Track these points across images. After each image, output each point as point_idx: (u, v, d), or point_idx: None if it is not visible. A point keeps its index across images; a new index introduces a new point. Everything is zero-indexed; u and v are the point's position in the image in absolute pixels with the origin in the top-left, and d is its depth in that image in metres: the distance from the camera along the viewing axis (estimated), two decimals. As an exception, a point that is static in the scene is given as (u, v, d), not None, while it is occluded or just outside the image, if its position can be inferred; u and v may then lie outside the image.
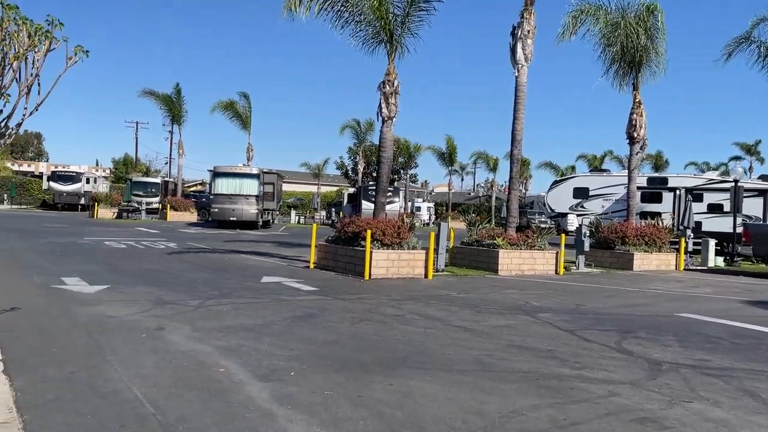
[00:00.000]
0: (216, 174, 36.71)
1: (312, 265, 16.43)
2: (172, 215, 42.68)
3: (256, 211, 35.77)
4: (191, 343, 7.21)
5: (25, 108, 6.48)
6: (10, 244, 19.86)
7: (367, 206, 40.50)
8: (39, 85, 6.59)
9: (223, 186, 36.05)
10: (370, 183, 51.29)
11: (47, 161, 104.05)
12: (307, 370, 6.19)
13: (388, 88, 16.28)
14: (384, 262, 14.69)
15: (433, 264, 15.35)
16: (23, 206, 57.25)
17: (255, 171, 37.11)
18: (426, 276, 15.04)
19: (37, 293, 10.36)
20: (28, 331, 7.48)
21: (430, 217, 60.35)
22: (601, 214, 33.05)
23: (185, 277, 13.44)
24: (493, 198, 66.35)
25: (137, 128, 73.70)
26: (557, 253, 17.84)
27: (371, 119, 56.68)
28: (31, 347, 6.73)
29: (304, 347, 7.22)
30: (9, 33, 5.83)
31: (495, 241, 17.24)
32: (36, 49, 6.11)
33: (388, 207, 18.16)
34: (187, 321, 8.50)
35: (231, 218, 35.45)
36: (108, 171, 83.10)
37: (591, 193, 34.41)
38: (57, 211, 52.48)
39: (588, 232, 19.87)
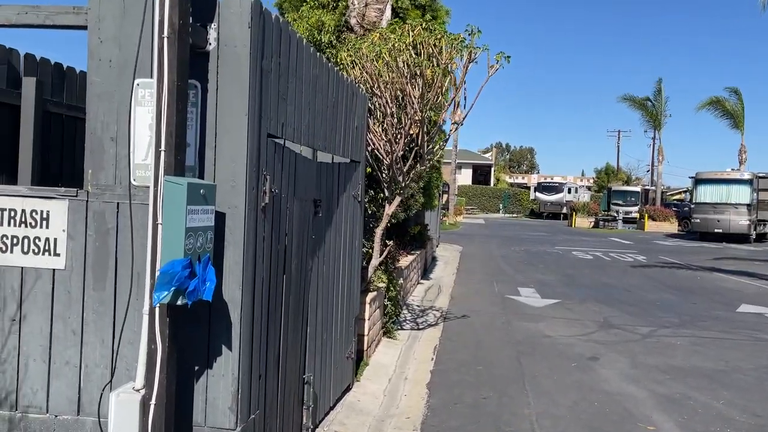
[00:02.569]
0: (698, 181, 33.14)
1: (815, 295, 12.78)
2: (649, 225, 40.65)
3: (747, 222, 30.74)
4: (623, 383, 6.12)
5: (454, 123, 6.60)
6: (489, 250, 21.90)
7: None
8: (465, 98, 6.74)
9: (706, 194, 32.25)
10: None
11: (537, 173, 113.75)
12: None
13: None
14: None
15: None
16: (514, 215, 63.73)
17: (747, 176, 32.00)
18: None
19: (491, 302, 10.78)
20: (465, 342, 7.66)
21: None
22: None
23: (642, 296, 12.11)
24: None
25: (619, 137, 73.52)
26: None
27: None
28: (459, 361, 6.80)
29: (776, 416, 5.29)
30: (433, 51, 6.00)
31: None
32: (453, 61, 6.13)
33: None
34: (628, 353, 7.38)
35: (715, 230, 31.38)
36: (591, 181, 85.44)
37: None
38: (541, 219, 56.56)
39: None
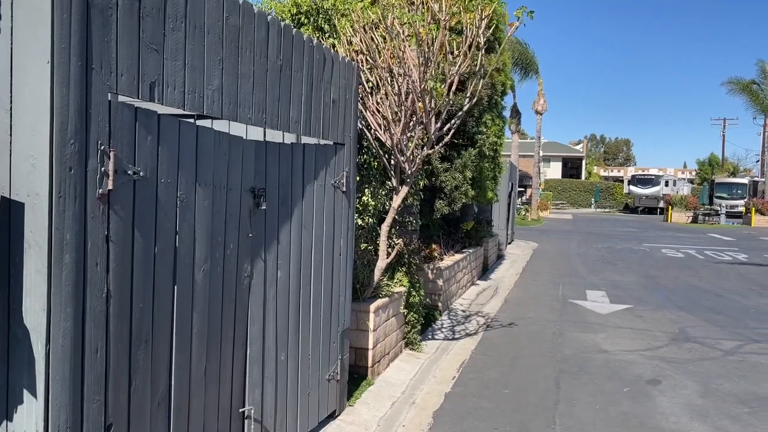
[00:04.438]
0: (814, 169, 29.59)
1: None
2: (757, 220, 36.97)
3: None
4: (685, 418, 4.87)
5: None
6: (567, 247, 20.27)
7: None
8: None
9: (823, 184, 28.74)
10: None
11: (634, 166, 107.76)
12: None
13: None
14: None
15: None
16: (606, 209, 60.33)
17: None
18: None
19: (549, 307, 9.55)
20: (500, 357, 6.58)
21: None
22: None
23: (734, 302, 10.41)
24: None
25: (724, 125, 68.16)
26: None
27: None
28: (485, 381, 5.75)
29: None
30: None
31: None
32: (456, 16, 5.05)
33: None
34: (700, 375, 6.04)
35: (835, 225, 27.90)
36: (693, 173, 79.84)
37: None
38: (635, 214, 53.11)
39: None
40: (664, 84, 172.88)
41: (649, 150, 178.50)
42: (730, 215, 40.62)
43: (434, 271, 8.56)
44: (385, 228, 5.49)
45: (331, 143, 4.38)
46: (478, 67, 5.17)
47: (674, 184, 58.59)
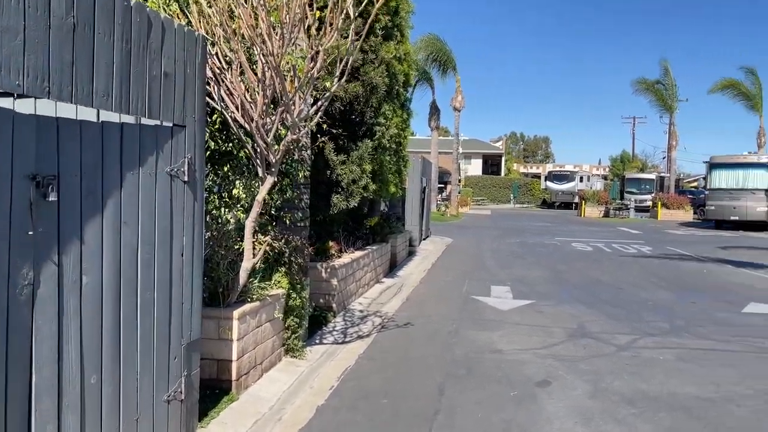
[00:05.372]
0: (713, 165, 31.09)
1: (838, 291, 11.02)
2: (663, 214, 38.63)
3: (766, 209, 28.71)
4: (569, 423, 4.56)
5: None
6: (481, 242, 20.25)
7: None
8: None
9: (721, 179, 30.24)
10: None
11: (552, 163, 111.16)
12: None
13: None
14: None
15: None
16: (525, 205, 61.73)
17: (764, 159, 29.97)
18: None
19: (450, 305, 9.22)
20: (387, 361, 6.12)
21: None
22: None
23: (633, 295, 10.45)
24: None
25: (634, 123, 71.22)
26: None
27: None
28: (365, 390, 5.26)
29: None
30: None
31: None
32: None
33: None
34: (592, 374, 5.79)
35: (731, 217, 29.42)
36: (607, 169, 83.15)
37: None
38: (552, 209, 54.56)
39: None
40: (580, 83, 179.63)
41: (567, 147, 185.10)
42: (638, 209, 42.29)
43: (328, 270, 8.04)
44: (249, 224, 4.89)
45: (167, 125, 3.76)
46: (350, 43, 4.63)
47: (588, 180, 60.70)
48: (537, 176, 78.68)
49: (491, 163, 78.47)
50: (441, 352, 6.50)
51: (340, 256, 8.86)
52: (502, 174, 76.09)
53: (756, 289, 11.32)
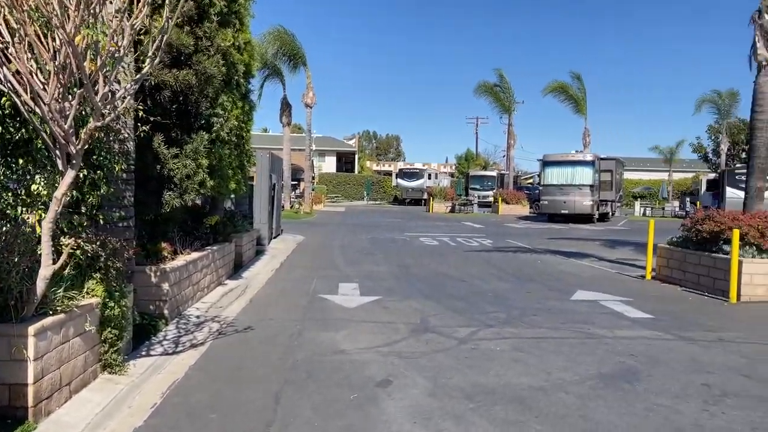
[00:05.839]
0: (545, 163, 33.58)
1: (649, 276, 12.19)
2: (503, 208, 41.14)
3: (591, 202, 31.53)
4: (408, 425, 4.42)
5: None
6: (332, 239, 20.12)
7: (733, 195, 32.58)
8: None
9: (553, 176, 32.74)
10: (737, 166, 41.89)
11: (404, 161, 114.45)
12: None
13: (767, 17, 11.00)
14: (763, 278, 9.76)
15: None
16: (378, 202, 62.87)
17: (589, 158, 32.83)
18: (840, 301, 9.57)
19: (296, 305, 8.88)
20: (221, 371, 5.66)
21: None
22: None
23: (475, 287, 10.80)
24: None
25: (477, 123, 75.32)
26: None
27: (735, 89, 46.75)
28: (191, 407, 4.78)
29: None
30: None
31: None
32: None
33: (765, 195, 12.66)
34: (433, 369, 5.76)
35: (562, 211, 31.97)
36: (453, 167, 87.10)
37: None
38: (404, 205, 56.07)
39: None
40: (430, 84, 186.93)
41: (418, 146, 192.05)
42: (482, 205, 44.69)
43: (158, 274, 7.36)
44: (47, 225, 4.21)
45: None
46: (164, 20, 4.11)
47: (436, 177, 63.17)
48: (389, 174, 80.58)
49: (345, 161, 79.10)
50: (281, 356, 6.14)
51: (174, 258, 8.19)
52: (356, 171, 77.01)
53: (582, 278, 12.21)
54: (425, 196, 54.84)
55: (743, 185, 13.59)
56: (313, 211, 36.88)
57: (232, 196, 13.17)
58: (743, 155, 51.61)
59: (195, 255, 8.85)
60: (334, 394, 5.06)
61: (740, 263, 9.70)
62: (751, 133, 11.95)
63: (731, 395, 5.15)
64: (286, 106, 37.12)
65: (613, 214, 37.73)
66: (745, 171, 13.65)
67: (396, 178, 64.23)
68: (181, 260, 8.20)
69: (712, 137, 57.50)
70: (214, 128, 8.66)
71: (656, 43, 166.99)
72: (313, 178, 51.18)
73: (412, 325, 7.63)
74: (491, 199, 45.65)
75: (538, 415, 4.62)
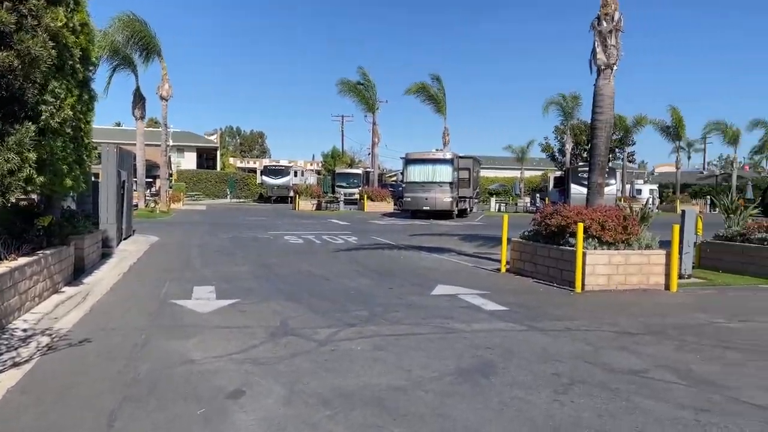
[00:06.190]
0: (408, 161, 34.39)
1: (504, 269, 12.71)
2: (369, 205, 41.60)
3: (451, 199, 32.75)
4: (260, 438, 4.10)
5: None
6: (190, 239, 19.08)
7: (577, 191, 35.38)
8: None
9: (415, 173, 33.61)
10: (580, 164, 45.58)
11: (270, 157, 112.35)
12: None
13: (605, 24, 11.85)
14: (604, 268, 10.50)
15: (677, 269, 10.75)
16: (241, 200, 61.11)
17: (448, 156, 34.07)
18: (668, 287, 10.52)
19: (143, 312, 8.17)
20: (50, 391, 4.97)
21: (653, 202, 52.46)
22: None
23: (339, 285, 10.64)
24: (734, 176, 56.03)
25: (342, 121, 75.62)
26: None
27: (577, 92, 50.80)
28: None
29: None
30: None
31: (773, 235, 11.95)
32: None
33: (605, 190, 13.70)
34: (290, 375, 5.46)
35: (424, 207, 32.91)
36: (319, 164, 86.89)
37: None
38: (269, 203, 54.94)
39: None
40: (297, 81, 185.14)
41: (284, 143, 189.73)
42: (348, 202, 44.94)
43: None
44: None
45: None
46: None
47: (302, 175, 62.67)
48: (254, 171, 78.73)
49: (207, 157, 76.12)
50: (121, 370, 5.54)
51: (-7, 265, 7.18)
52: (218, 168, 74.40)
53: (443, 272, 12.47)
54: (291, 194, 54.16)
55: (585, 182, 14.64)
56: (170, 210, 34.97)
57: (73, 194, 11.98)
58: (585, 154, 56.34)
59: (22, 261, 7.84)
60: (179, 409, 4.60)
61: (584, 255, 10.34)
62: (592, 132, 12.86)
63: (578, 383, 5.35)
64: (139, 99, 34.87)
65: (471, 210, 39.49)
66: (587, 169, 14.71)
67: (261, 175, 62.87)
68: (4, 267, 7.21)
69: (559, 137, 62.17)
70: (43, 117, 7.71)
71: (511, 43, 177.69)
72: (171, 175, 48.69)
73: (270, 329, 7.27)
74: (357, 196, 46.04)
75: (396, 417, 4.49)
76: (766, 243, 11.98)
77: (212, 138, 78.85)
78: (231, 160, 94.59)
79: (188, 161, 70.19)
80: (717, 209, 15.97)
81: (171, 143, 50.96)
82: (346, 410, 4.61)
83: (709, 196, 51.26)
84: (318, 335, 6.99)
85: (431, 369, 5.70)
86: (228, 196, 60.61)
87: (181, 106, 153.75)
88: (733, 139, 54.92)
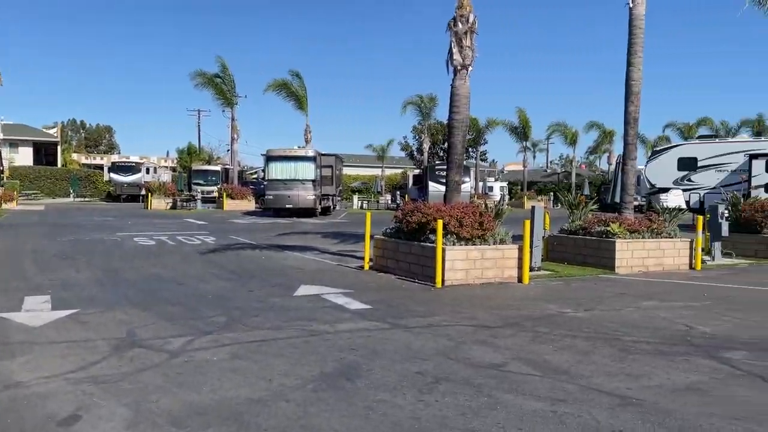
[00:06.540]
0: (269, 158, 33.56)
1: (367, 266, 12.70)
2: (228, 204, 40.13)
3: (314, 197, 32.44)
4: (97, 471, 3.59)
5: None
6: (24, 243, 17.15)
7: (435, 188, 36.60)
8: None
9: (277, 171, 32.87)
10: (437, 162, 47.26)
11: (119, 153, 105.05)
12: None
13: (461, 26, 12.19)
14: (462, 263, 10.78)
15: (529, 262, 11.32)
16: (87, 199, 56.48)
17: (311, 153, 33.73)
18: (520, 280, 11.04)
19: (-41, 329, 7.08)
20: None
21: (503, 198, 55.78)
22: (713, 188, 28.23)
23: (194, 289, 10.00)
24: (573, 174, 61.14)
25: (199, 116, 72.48)
26: (692, 242, 13.48)
27: (434, 94, 52.60)
28: None
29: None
30: None
31: (609, 229, 12.99)
32: None
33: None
34: (137, 392, 4.92)
35: (287, 206, 32.30)
36: (175, 161, 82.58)
37: (700, 164, 29.45)
38: (119, 202, 51.28)
39: (725, 212, 15.18)
40: (148, 73, 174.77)
41: (135, 138, 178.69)
42: (206, 200, 43.06)
43: None
44: None
45: None
46: None
47: (155, 172, 59.24)
48: (101, 168, 73.10)
49: (46, 153, 69.55)
50: (-77, 403, 4.68)
51: None
52: (59, 165, 68.25)
53: (306, 272, 12.19)
54: (143, 192, 50.89)
55: (443, 179, 15.08)
56: (1, 211, 31.42)
57: None
58: (442, 153, 58.59)
59: None
60: (-3, 445, 3.94)
61: (444, 251, 10.56)
62: (450, 131, 13.21)
63: (442, 380, 5.34)
64: (-40, 86, 30.86)
65: (334, 208, 39.48)
66: (444, 167, 15.13)
67: (109, 172, 58.50)
68: None
69: (417, 137, 64.07)
70: None
71: (375, 41, 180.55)
72: (2, 171, 43.97)
73: (115, 341, 6.58)
74: (216, 194, 44.28)
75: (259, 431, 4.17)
76: (604, 236, 12.99)
77: (52, 132, 72.21)
78: (74, 156, 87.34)
79: (23, 157, 63.74)
80: (560, 205, 17.17)
81: (2, 136, 45.94)
82: (200, 429, 4.21)
83: (552, 193, 55.53)
84: (170, 345, 6.43)
85: (294, 376, 5.42)
86: (71, 195, 55.73)
87: (13, 95, 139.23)
88: (573, 140, 59.89)
